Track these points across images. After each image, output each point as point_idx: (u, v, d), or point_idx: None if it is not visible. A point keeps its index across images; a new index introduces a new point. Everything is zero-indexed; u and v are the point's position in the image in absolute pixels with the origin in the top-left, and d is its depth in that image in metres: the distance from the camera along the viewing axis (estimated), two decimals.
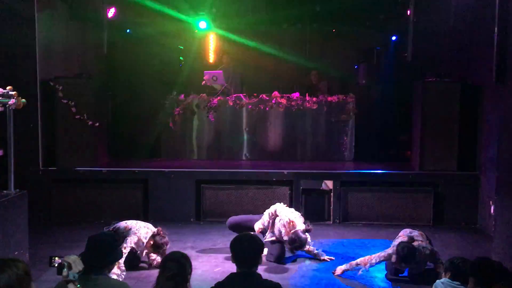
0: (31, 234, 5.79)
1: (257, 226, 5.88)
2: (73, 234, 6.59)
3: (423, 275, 5.09)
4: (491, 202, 6.75)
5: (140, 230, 5.32)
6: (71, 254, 2.96)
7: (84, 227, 6.69)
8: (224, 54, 9.68)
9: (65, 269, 2.71)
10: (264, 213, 5.92)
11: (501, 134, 5.50)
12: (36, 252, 5.78)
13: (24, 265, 2.53)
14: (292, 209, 5.95)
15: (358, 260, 5.16)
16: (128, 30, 10.60)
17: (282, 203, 6.00)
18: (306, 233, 5.60)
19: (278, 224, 5.75)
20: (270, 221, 5.85)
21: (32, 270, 2.60)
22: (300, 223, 5.64)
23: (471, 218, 7.37)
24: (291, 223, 5.62)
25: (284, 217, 5.70)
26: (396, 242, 5.14)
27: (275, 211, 5.83)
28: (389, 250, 5.06)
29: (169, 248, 5.33)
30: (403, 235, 5.26)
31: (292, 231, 5.53)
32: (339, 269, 5.28)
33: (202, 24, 10.17)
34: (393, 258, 4.95)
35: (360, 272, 5.13)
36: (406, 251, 4.87)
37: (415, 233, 5.29)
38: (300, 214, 5.89)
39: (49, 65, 7.63)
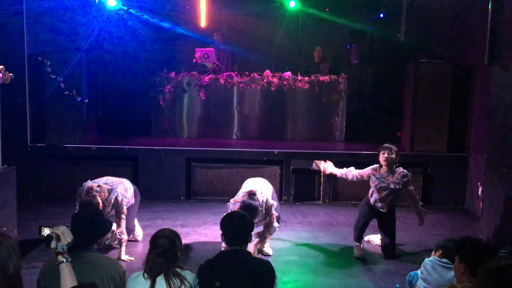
0: (20, 211, 5.76)
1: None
2: (61, 211, 6.55)
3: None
4: (479, 183, 6.82)
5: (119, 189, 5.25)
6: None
7: (73, 204, 6.65)
8: (215, 32, 9.55)
9: (53, 241, 2.67)
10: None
11: (491, 116, 5.52)
12: (24, 228, 5.75)
13: (11, 239, 2.50)
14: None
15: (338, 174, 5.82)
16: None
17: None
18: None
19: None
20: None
21: (20, 246, 2.56)
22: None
23: (459, 199, 7.46)
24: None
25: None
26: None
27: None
28: (367, 171, 5.64)
29: (159, 226, 5.31)
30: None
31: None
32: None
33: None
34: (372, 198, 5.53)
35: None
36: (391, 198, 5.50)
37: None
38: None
39: (37, 40, 7.48)
